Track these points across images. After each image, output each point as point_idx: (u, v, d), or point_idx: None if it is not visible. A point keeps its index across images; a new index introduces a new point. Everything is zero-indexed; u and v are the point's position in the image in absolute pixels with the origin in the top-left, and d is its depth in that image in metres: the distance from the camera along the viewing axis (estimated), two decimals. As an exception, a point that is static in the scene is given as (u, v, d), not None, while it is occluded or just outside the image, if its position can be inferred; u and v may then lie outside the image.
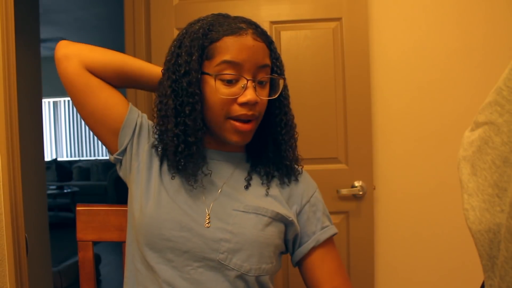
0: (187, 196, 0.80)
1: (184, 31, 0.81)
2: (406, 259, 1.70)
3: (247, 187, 0.83)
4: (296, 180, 0.89)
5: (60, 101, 7.11)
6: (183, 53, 0.77)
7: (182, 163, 0.79)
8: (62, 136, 7.26)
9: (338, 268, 0.86)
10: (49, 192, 5.28)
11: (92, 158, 7.14)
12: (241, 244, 0.76)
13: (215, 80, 0.76)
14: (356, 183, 1.61)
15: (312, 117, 1.62)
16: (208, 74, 0.77)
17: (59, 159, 7.01)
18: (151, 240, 0.77)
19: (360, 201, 1.62)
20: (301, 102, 1.62)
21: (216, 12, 0.85)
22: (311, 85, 1.63)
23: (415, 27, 1.67)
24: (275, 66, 0.82)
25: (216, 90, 0.76)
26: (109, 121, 0.84)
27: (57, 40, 6.28)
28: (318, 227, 0.86)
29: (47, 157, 6.89)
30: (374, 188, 1.66)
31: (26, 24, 2.16)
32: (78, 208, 1.04)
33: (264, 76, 0.79)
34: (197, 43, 0.76)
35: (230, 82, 0.76)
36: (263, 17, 1.63)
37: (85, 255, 1.05)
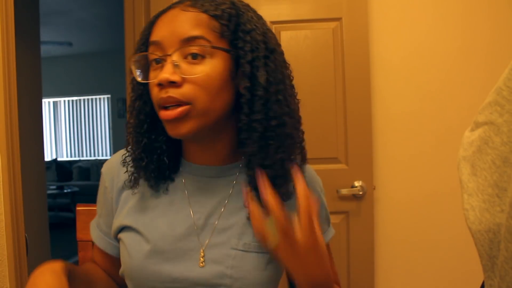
0: (179, 228, 0.69)
1: None
2: (406, 259, 1.70)
3: (249, 217, 0.68)
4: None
5: (60, 101, 7.11)
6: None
7: (144, 164, 0.70)
8: (62, 136, 7.26)
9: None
10: (49, 192, 5.28)
11: (92, 158, 7.14)
12: None
13: (149, 67, 0.66)
14: (356, 183, 1.61)
15: (312, 117, 1.62)
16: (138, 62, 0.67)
17: (59, 159, 7.01)
18: None
19: (360, 201, 1.62)
20: (301, 102, 1.62)
21: None
22: (311, 85, 1.63)
23: (415, 27, 1.67)
24: (231, 38, 0.65)
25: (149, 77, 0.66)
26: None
27: (57, 41, 6.25)
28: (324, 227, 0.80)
29: (47, 157, 6.89)
30: (374, 188, 1.66)
31: (26, 24, 2.16)
32: (78, 208, 1.04)
33: (189, 47, 0.62)
34: (143, 35, 0.69)
35: (158, 63, 0.65)
36: (263, 17, 1.63)
37: (85, 255, 1.05)
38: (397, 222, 1.70)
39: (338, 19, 1.63)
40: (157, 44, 0.64)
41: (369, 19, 1.66)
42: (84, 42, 5.70)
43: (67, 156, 7.27)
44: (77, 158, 7.17)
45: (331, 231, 0.84)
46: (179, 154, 0.75)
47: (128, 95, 0.79)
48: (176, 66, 0.62)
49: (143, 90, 0.69)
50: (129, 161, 0.73)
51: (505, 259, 0.36)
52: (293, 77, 0.74)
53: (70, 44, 5.59)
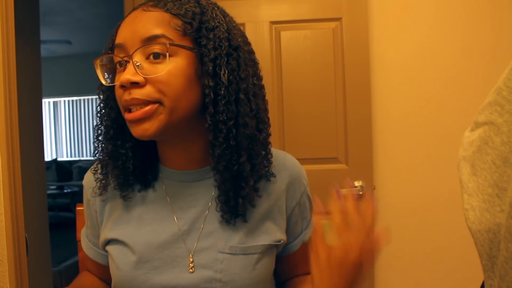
0: (164, 236, 0.68)
1: None
2: (406, 258, 1.70)
3: (228, 221, 0.68)
4: (269, 179, 0.72)
5: (60, 101, 7.11)
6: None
7: (117, 173, 0.69)
8: (62, 136, 7.26)
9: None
10: (49, 192, 5.28)
11: (92, 158, 7.12)
12: None
13: (116, 69, 0.65)
14: (356, 183, 1.61)
15: (312, 117, 1.62)
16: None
17: (59, 159, 7.01)
18: None
19: (360, 201, 1.62)
20: (301, 102, 1.62)
21: None
22: (311, 85, 1.63)
23: (415, 27, 1.67)
24: (195, 36, 0.63)
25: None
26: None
27: (57, 41, 6.27)
28: (304, 225, 0.78)
29: (47, 157, 6.89)
30: (374, 188, 1.66)
31: (26, 24, 2.16)
32: (78, 208, 1.04)
33: (153, 48, 0.60)
34: (110, 39, 0.68)
35: (121, 65, 0.63)
36: (263, 17, 1.63)
37: (85, 255, 1.04)
38: (397, 222, 1.70)
39: (338, 19, 1.63)
40: (120, 46, 0.62)
41: (369, 19, 1.66)
42: (84, 42, 5.70)
43: (67, 156, 7.27)
44: (77, 158, 7.17)
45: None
46: (156, 160, 0.73)
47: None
48: (138, 66, 0.60)
49: (109, 95, 0.68)
50: (99, 168, 0.72)
51: (505, 259, 0.36)
52: (262, 76, 0.70)
53: (69, 42, 5.59)
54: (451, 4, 1.66)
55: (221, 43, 0.62)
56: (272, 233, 0.71)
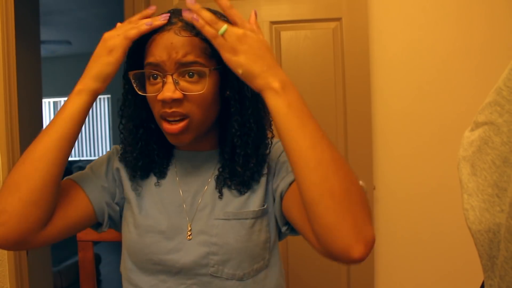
0: (169, 206, 0.79)
1: None
2: (406, 259, 1.70)
3: (220, 197, 0.78)
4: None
5: (60, 101, 7.10)
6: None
7: (140, 164, 0.79)
8: (62, 136, 7.26)
9: None
10: (49, 192, 5.27)
11: (92, 158, 7.13)
12: (229, 254, 0.74)
13: (145, 80, 0.74)
14: (356, 183, 1.61)
15: (312, 117, 1.62)
16: (137, 72, 0.74)
17: (59, 159, 7.01)
18: (141, 264, 0.77)
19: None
20: (301, 102, 1.62)
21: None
22: (311, 85, 1.63)
23: (415, 27, 1.67)
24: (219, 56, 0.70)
25: (146, 89, 0.74)
26: (84, 222, 0.78)
27: (57, 41, 6.26)
28: (287, 172, 0.78)
29: (47, 157, 6.87)
30: (374, 188, 1.66)
31: (26, 24, 2.16)
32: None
33: (186, 69, 0.70)
34: (135, 49, 0.74)
35: (155, 78, 0.72)
36: (263, 17, 1.63)
37: (85, 255, 1.05)
38: (397, 222, 1.70)
39: (338, 19, 1.63)
40: (156, 65, 0.70)
41: (369, 19, 1.66)
42: (84, 42, 5.70)
43: (67, 156, 7.26)
44: (77, 158, 7.17)
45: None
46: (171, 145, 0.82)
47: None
48: (176, 83, 0.69)
49: (136, 99, 0.77)
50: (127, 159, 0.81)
51: (505, 259, 0.36)
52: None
53: (69, 42, 5.59)
54: (451, 4, 1.66)
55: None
56: (261, 198, 0.78)
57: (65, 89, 7.01)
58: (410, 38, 1.68)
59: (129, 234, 0.78)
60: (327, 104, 1.63)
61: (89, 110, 0.73)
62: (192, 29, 0.70)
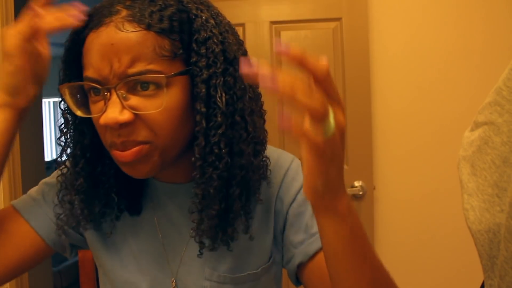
0: (147, 255, 0.62)
1: None
2: (406, 259, 1.70)
3: (200, 254, 0.56)
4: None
5: (60, 101, 7.11)
6: None
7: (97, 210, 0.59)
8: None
9: None
10: (49, 192, 5.27)
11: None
12: None
13: (86, 94, 0.53)
14: (356, 183, 1.61)
15: (312, 117, 1.62)
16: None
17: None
18: None
19: (360, 201, 1.63)
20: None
21: None
22: (311, 85, 1.63)
23: (415, 27, 1.67)
24: (186, 54, 0.50)
25: (90, 107, 0.52)
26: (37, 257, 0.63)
27: (57, 42, 6.43)
28: (307, 235, 0.60)
29: (47, 157, 6.88)
30: (374, 188, 1.66)
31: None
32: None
33: (135, 79, 0.48)
34: (69, 52, 0.56)
35: (96, 94, 0.50)
36: (263, 17, 1.63)
37: (85, 255, 1.05)
38: (397, 222, 1.70)
39: (338, 19, 1.63)
40: (95, 80, 0.49)
41: (369, 19, 1.66)
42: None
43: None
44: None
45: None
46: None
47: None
48: (124, 98, 0.48)
49: (75, 119, 0.56)
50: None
51: (505, 259, 0.36)
52: (257, 86, 0.56)
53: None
54: (451, 4, 1.66)
55: (215, 59, 0.50)
56: (266, 250, 0.61)
57: (65, 89, 7.00)
58: (410, 38, 1.68)
59: (104, 276, 0.65)
60: (327, 104, 1.63)
61: (14, 127, 0.54)
62: (141, 17, 0.48)
